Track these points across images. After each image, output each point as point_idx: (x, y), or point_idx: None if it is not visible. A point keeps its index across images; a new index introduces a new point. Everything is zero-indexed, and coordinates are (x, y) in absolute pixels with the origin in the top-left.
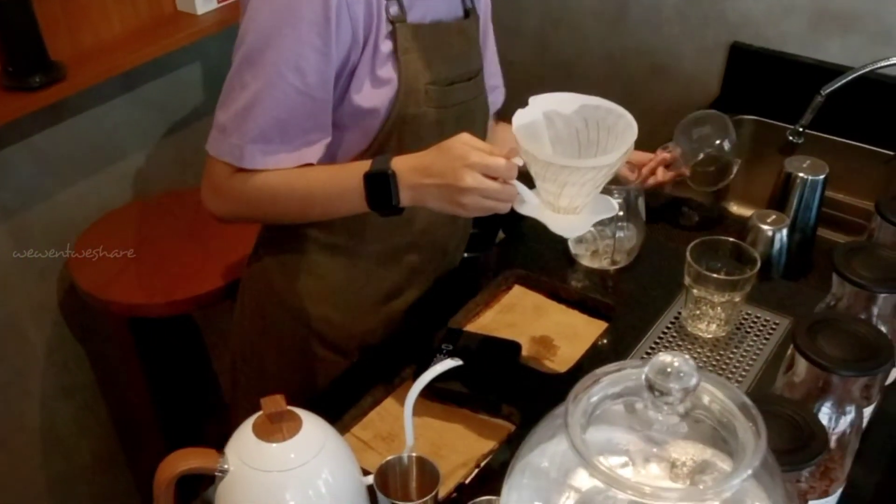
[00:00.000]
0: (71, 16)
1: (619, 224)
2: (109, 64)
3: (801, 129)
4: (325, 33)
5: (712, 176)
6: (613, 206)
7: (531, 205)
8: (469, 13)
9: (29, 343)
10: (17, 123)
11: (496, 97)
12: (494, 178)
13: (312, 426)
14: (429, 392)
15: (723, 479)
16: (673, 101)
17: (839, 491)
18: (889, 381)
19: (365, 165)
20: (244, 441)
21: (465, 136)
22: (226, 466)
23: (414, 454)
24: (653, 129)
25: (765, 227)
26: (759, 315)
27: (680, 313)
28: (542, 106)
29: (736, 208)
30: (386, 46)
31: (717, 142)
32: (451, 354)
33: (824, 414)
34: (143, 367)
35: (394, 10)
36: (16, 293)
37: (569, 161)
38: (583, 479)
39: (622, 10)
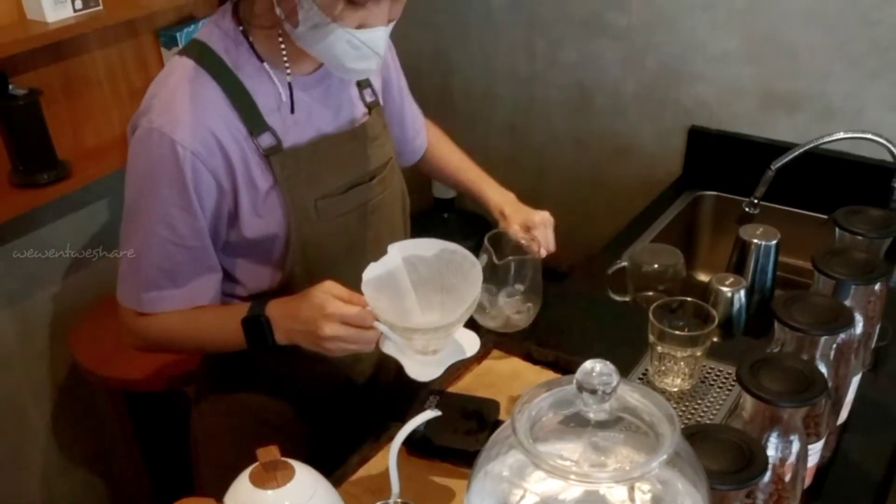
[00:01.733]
0: (75, 118)
1: (510, 289)
2: (110, 161)
3: (755, 201)
4: (184, 194)
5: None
6: (466, 350)
7: (393, 345)
8: (372, 107)
9: (29, 420)
10: (25, 217)
11: (420, 143)
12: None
13: (304, 475)
14: (413, 447)
15: (646, 461)
16: (638, 181)
17: None
18: (840, 420)
19: (243, 310)
20: (241, 489)
21: (326, 285)
22: None
23: (399, 500)
24: (619, 207)
25: (724, 288)
26: (721, 369)
27: (647, 370)
28: (402, 251)
29: (701, 275)
30: (264, 182)
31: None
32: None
33: (772, 445)
34: (140, 442)
35: (266, 142)
36: (17, 372)
37: (397, 324)
38: (534, 482)
39: (586, 99)
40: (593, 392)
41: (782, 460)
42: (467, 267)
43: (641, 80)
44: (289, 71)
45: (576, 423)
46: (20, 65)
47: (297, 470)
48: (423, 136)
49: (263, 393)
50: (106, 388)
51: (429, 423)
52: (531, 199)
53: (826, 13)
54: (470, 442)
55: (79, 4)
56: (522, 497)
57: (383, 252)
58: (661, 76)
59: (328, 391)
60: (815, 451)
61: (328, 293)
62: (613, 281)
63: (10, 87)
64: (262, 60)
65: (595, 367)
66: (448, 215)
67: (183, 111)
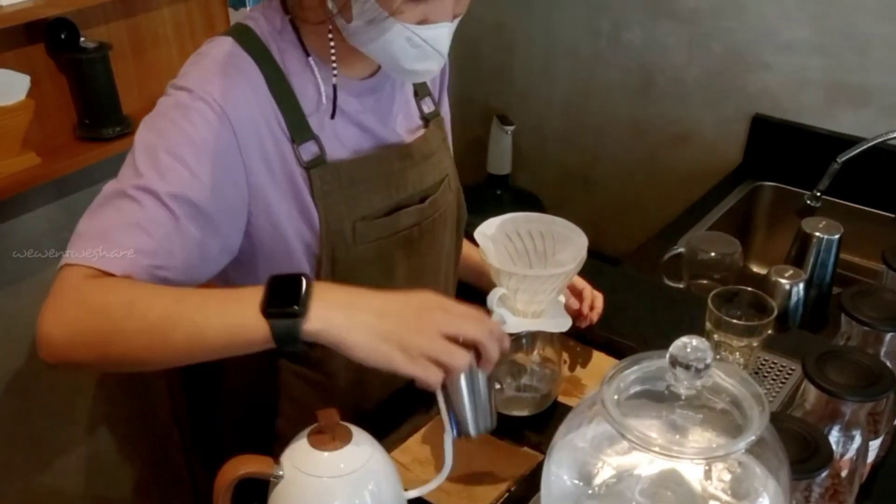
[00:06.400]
0: (141, 73)
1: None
2: None
3: (818, 194)
4: (205, 157)
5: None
6: (563, 322)
7: (513, 322)
8: (430, 118)
9: (79, 374)
10: (87, 171)
11: None
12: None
13: (361, 439)
14: None
15: (734, 441)
16: (694, 169)
17: None
18: None
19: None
20: (299, 449)
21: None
22: (280, 472)
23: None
24: (673, 195)
25: (782, 280)
26: (776, 361)
27: None
28: (496, 226)
29: (756, 267)
30: (303, 190)
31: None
32: None
33: (833, 439)
34: (185, 403)
35: (309, 152)
36: None
37: (508, 269)
38: (613, 454)
39: (647, 81)
40: (687, 367)
41: (841, 455)
42: (571, 236)
43: (705, 65)
44: (335, 72)
45: (653, 400)
46: (91, 18)
47: (355, 435)
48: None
49: (294, 417)
50: None
51: None
52: (583, 180)
53: None
54: (522, 419)
55: None
56: (600, 469)
57: (421, 282)
58: (726, 62)
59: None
60: (872, 449)
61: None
62: (668, 267)
63: (81, 39)
64: (308, 55)
65: (690, 342)
66: (501, 192)
67: (221, 79)
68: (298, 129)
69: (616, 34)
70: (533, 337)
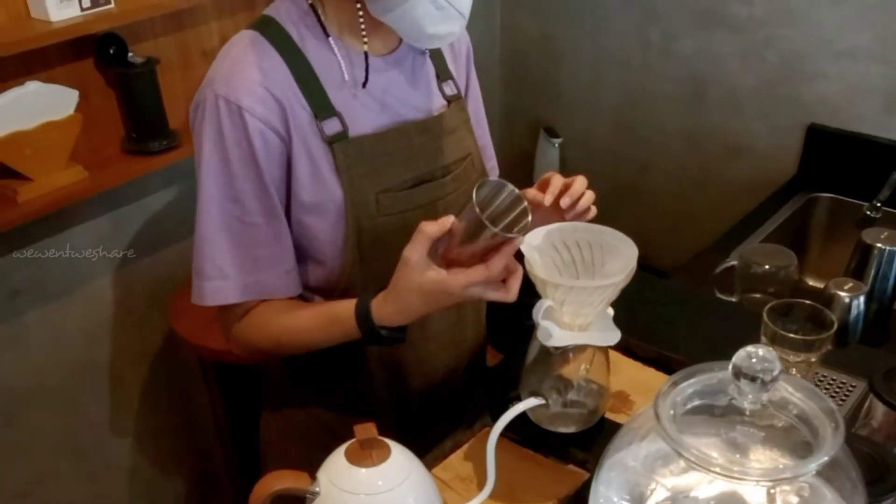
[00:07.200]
0: (189, 86)
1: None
2: None
3: (878, 205)
4: (253, 165)
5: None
6: (611, 336)
7: (559, 335)
8: (452, 100)
9: (125, 386)
10: (133, 184)
11: (490, 169)
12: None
13: (400, 456)
14: (506, 436)
15: (803, 462)
16: (747, 181)
17: None
18: None
19: (349, 307)
20: (336, 465)
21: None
22: (317, 489)
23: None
24: (725, 207)
25: (842, 293)
26: (834, 377)
27: None
28: (542, 236)
29: (811, 280)
30: (325, 163)
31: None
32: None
33: None
34: (226, 415)
35: (331, 128)
36: (116, 339)
37: (554, 281)
38: (668, 475)
39: (699, 92)
40: (752, 379)
41: None
42: (620, 247)
43: (760, 74)
44: (366, 40)
45: (712, 416)
46: (140, 33)
47: (393, 450)
48: (493, 163)
49: (334, 405)
50: (200, 359)
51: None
52: (632, 193)
53: None
54: (566, 436)
55: None
56: (653, 490)
57: None
58: (781, 71)
59: (401, 408)
60: None
61: (409, 258)
62: (720, 280)
63: (130, 54)
64: (328, 35)
65: (757, 352)
66: None
67: (247, 79)
68: (321, 106)
69: (666, 44)
70: (579, 351)
